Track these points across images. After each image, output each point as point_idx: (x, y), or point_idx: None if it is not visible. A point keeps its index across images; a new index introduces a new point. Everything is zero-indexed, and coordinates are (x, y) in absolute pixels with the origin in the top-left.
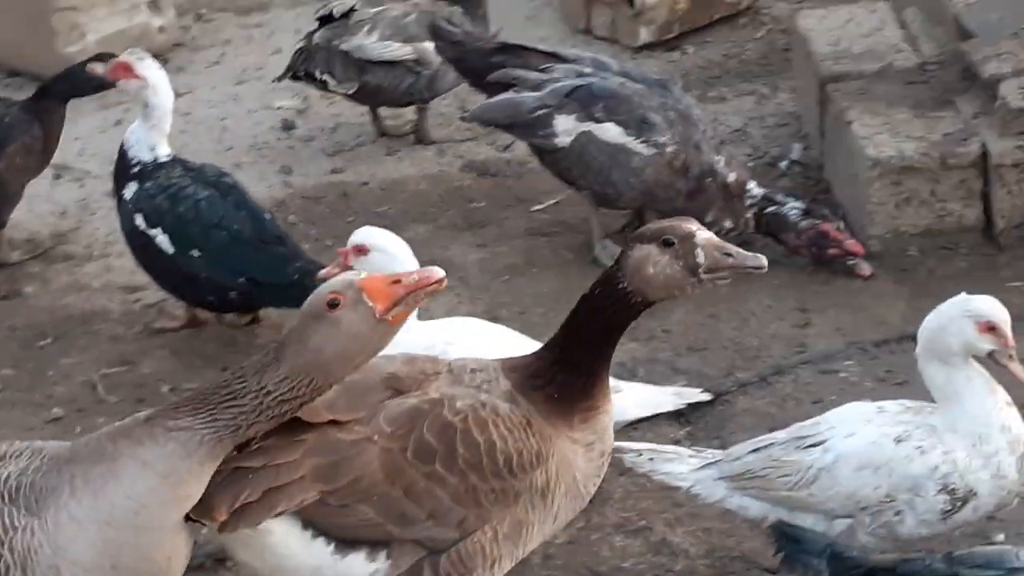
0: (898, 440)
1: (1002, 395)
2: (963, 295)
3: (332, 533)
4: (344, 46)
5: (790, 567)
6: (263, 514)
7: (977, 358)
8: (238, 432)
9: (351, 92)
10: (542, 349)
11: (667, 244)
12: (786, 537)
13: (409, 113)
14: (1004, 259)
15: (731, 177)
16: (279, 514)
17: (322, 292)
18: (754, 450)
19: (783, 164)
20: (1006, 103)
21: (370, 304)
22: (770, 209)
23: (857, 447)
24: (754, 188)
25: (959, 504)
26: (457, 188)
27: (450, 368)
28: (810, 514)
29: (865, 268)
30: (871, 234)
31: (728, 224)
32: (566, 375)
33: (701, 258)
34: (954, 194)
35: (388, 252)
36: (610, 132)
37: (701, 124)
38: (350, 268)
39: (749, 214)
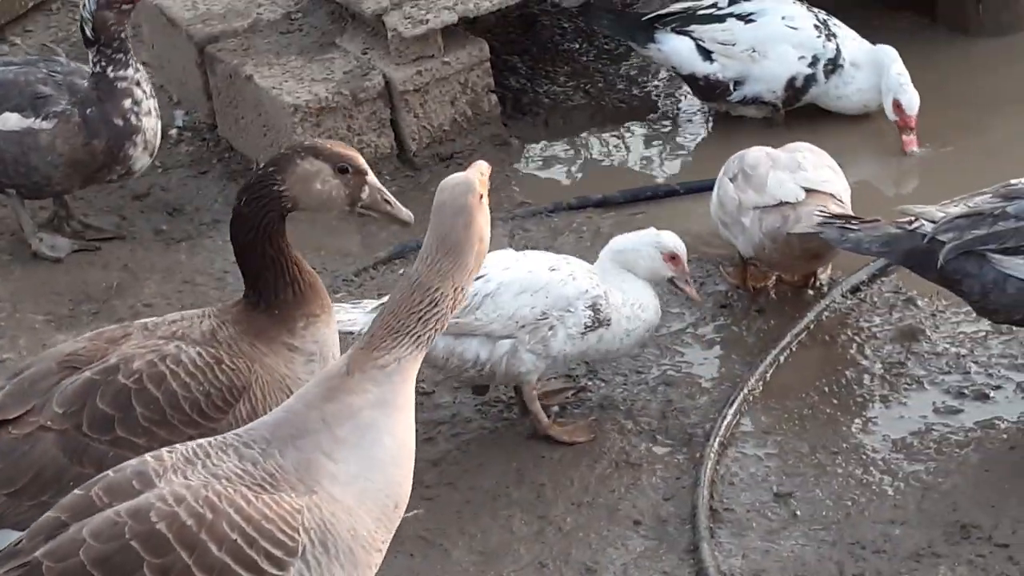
0: (552, 269)
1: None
2: (652, 229)
3: None
4: None
5: None
6: None
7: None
8: (433, 336)
9: None
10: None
11: (342, 171)
12: None
13: None
14: (425, 177)
15: None
16: None
17: (472, 186)
18: None
19: (172, 132)
20: (399, 33)
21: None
22: None
23: (516, 275)
24: None
25: (597, 324)
26: None
27: (145, 326)
28: (475, 338)
29: None
30: None
31: None
32: (265, 287)
33: (365, 194)
34: (368, 126)
35: None
36: (10, 121)
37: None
38: None
39: None
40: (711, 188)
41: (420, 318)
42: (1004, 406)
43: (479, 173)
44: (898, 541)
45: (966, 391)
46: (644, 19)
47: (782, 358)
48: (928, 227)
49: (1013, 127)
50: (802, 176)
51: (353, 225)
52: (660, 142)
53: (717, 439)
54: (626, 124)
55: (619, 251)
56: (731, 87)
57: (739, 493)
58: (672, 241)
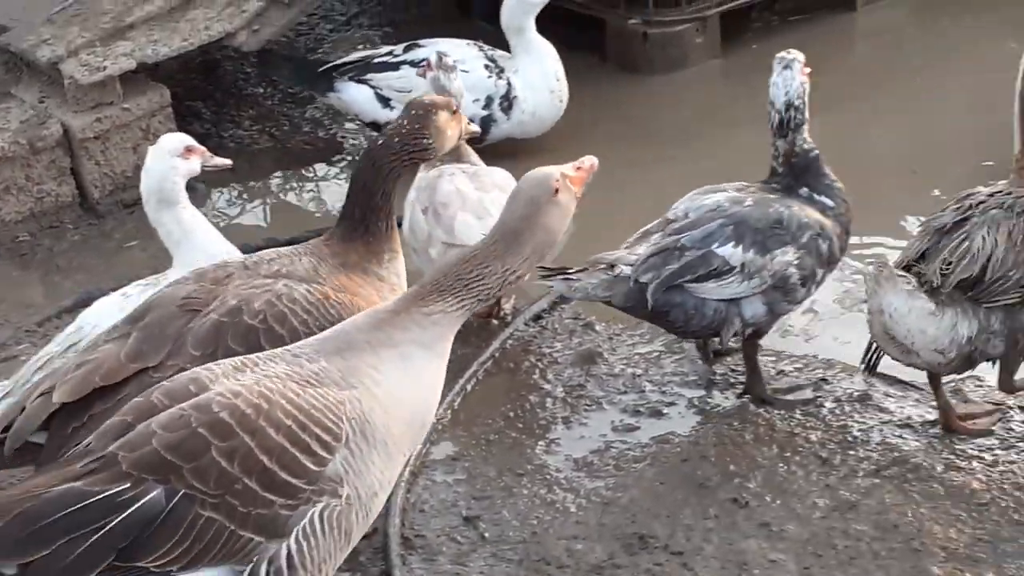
0: None
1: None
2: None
3: None
4: None
5: None
6: None
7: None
8: (476, 306)
9: None
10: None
11: (454, 112)
12: None
13: None
14: (109, 224)
15: None
16: None
17: (547, 183)
18: None
19: None
20: (75, 81)
21: (572, 187)
22: None
23: None
24: None
25: None
26: None
27: (244, 264)
28: None
29: None
30: None
31: None
32: (371, 219)
33: (464, 123)
34: (47, 175)
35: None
36: None
37: None
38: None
39: None
40: None
41: (466, 285)
42: (677, 421)
43: (574, 169)
44: (581, 555)
45: (642, 409)
46: (322, 69)
47: (469, 386)
48: (627, 270)
49: (679, 159)
50: (489, 223)
51: (35, 275)
52: (347, 183)
53: (408, 468)
54: (313, 166)
55: (154, 191)
56: None
57: (430, 519)
58: (171, 137)
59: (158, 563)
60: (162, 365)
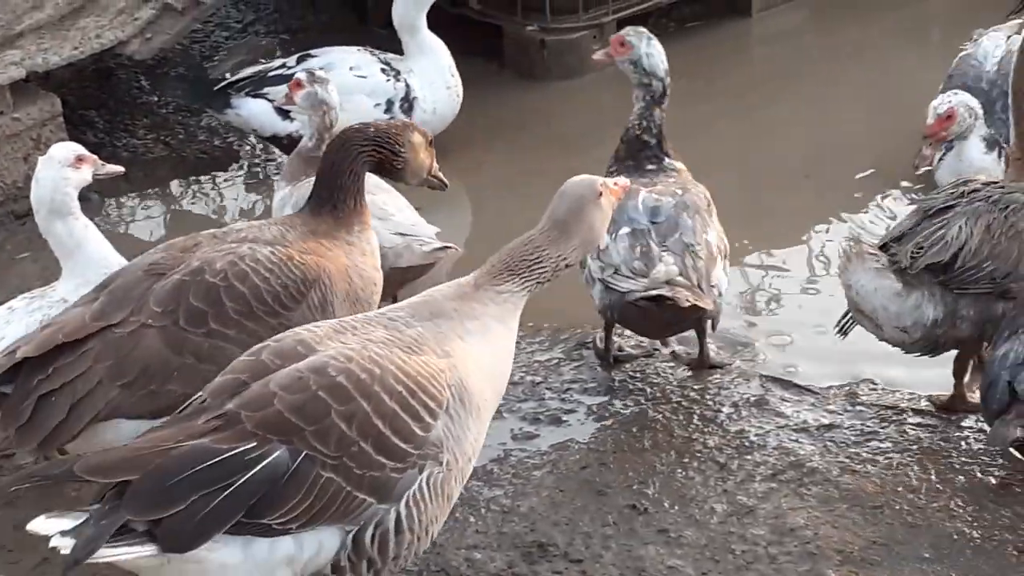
0: None
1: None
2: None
3: (151, 417)
4: None
5: None
6: (75, 428)
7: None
8: (535, 289)
9: None
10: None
11: (431, 144)
12: None
13: None
14: (1, 236)
15: None
16: (89, 423)
17: (593, 186)
18: None
19: None
20: None
21: (611, 197)
22: None
23: None
24: None
25: None
26: None
27: (213, 235)
28: None
29: None
30: None
31: None
32: (340, 196)
33: (435, 165)
34: None
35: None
36: None
37: None
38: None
39: None
40: None
41: (528, 266)
42: (576, 428)
43: (613, 184)
44: (480, 565)
45: (541, 416)
46: (218, 88)
47: None
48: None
49: (577, 168)
50: (393, 223)
51: None
52: (246, 191)
53: None
54: (209, 174)
55: (45, 203)
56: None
57: None
58: (61, 147)
59: (281, 520)
60: (124, 321)
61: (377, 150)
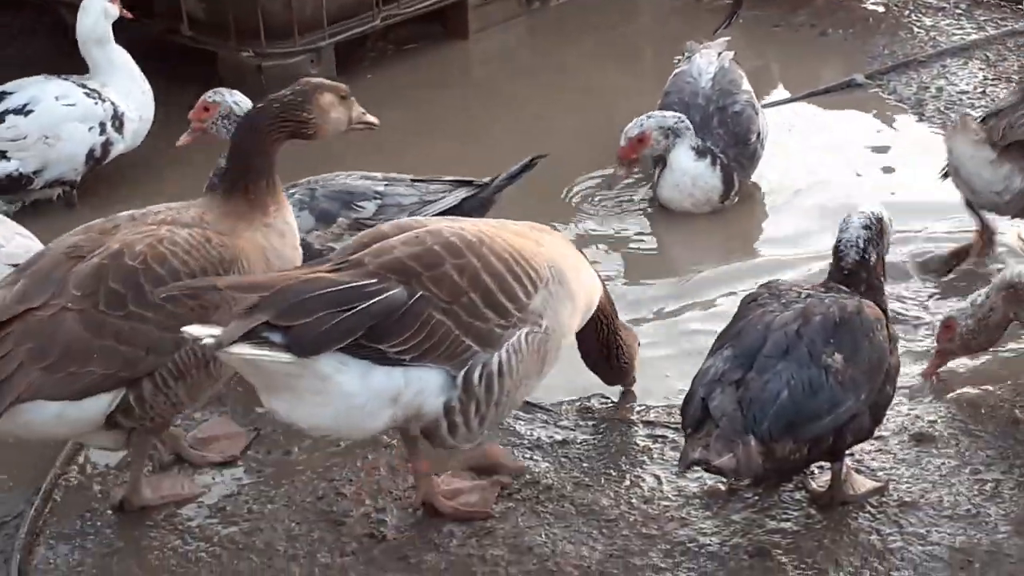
0: None
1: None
2: None
3: (72, 398)
4: None
5: None
6: None
7: None
8: None
9: None
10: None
11: (343, 98)
12: None
13: None
14: None
15: None
16: (10, 405)
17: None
18: None
19: None
20: None
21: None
22: None
23: None
24: None
25: None
26: None
27: (132, 216)
28: None
29: None
30: None
31: None
32: (251, 178)
33: (356, 113)
34: None
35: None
36: None
37: None
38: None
39: None
40: None
41: None
42: (308, 458)
43: None
44: None
45: (272, 449)
46: None
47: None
48: None
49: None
50: (4, 253)
51: None
52: None
53: (24, 532)
54: None
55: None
56: (33, 177)
57: None
58: None
59: (396, 349)
60: (45, 304)
61: (283, 124)
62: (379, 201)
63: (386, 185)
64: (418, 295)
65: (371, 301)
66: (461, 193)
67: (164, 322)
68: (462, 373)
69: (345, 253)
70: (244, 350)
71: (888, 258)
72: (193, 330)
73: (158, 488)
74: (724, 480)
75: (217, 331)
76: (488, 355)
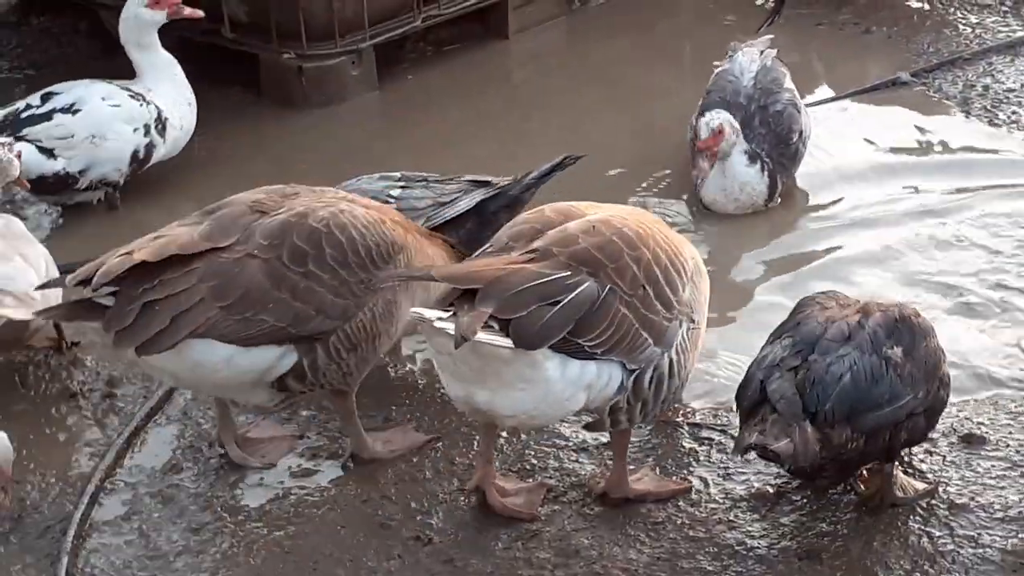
0: None
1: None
2: None
3: (240, 344)
4: None
5: None
6: (173, 339)
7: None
8: None
9: None
10: None
11: None
12: None
13: None
14: None
15: None
16: (187, 336)
17: None
18: None
19: None
20: None
21: None
22: None
23: None
24: None
25: None
26: None
27: (312, 189)
28: None
29: None
30: None
31: None
32: None
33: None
34: None
35: None
36: None
37: None
38: None
39: None
40: None
41: None
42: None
43: None
44: None
45: (320, 452)
46: None
47: (137, 440)
48: None
49: None
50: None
51: None
52: None
53: (73, 531)
54: None
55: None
56: (78, 177)
57: None
58: None
59: (591, 343)
60: (230, 247)
61: None
62: (393, 204)
63: (402, 188)
64: (608, 288)
65: (574, 293)
66: (477, 195)
67: (336, 288)
68: (635, 374)
69: (522, 239)
70: (483, 337)
71: None
72: (424, 313)
73: (389, 442)
74: (779, 468)
75: (436, 314)
76: (659, 353)
